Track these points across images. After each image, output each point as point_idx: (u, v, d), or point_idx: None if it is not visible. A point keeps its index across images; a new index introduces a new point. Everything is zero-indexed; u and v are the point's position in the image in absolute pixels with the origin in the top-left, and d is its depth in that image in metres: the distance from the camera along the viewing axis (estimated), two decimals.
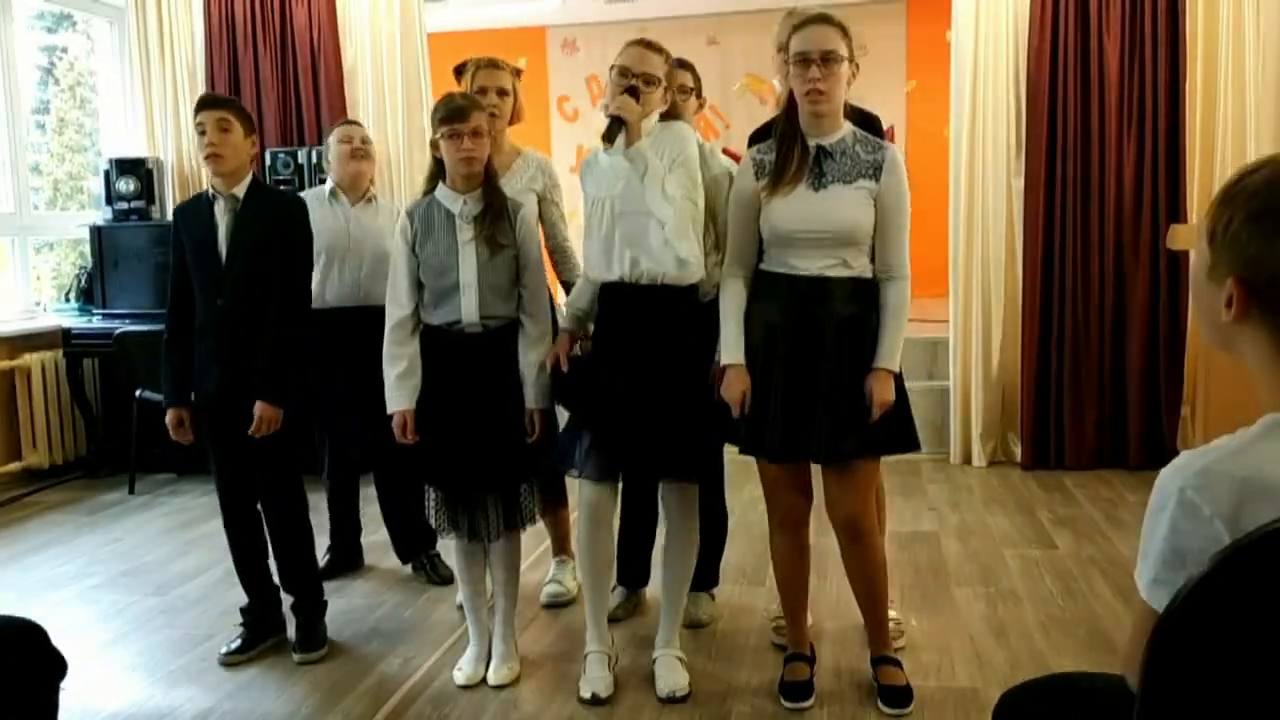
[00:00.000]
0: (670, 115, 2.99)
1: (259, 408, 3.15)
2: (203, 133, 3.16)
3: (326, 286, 3.84)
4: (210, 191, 3.24)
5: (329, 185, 4.00)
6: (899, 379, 2.79)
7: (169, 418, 3.30)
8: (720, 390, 2.81)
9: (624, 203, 2.82)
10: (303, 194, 3.92)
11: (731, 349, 2.81)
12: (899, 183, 2.76)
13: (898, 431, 2.80)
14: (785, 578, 2.99)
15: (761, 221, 2.79)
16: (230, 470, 3.31)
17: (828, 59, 2.66)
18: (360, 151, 3.94)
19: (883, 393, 2.70)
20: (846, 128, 2.79)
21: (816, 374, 2.72)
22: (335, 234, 3.86)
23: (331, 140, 3.99)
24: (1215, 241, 1.28)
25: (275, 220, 3.22)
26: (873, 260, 2.80)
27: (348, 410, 3.83)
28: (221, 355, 3.20)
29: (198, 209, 3.27)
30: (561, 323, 3.17)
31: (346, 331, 3.77)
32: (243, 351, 3.17)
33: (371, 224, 3.94)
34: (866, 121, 3.02)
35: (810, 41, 2.67)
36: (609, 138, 2.78)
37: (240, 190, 3.20)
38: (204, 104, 3.21)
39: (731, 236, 2.89)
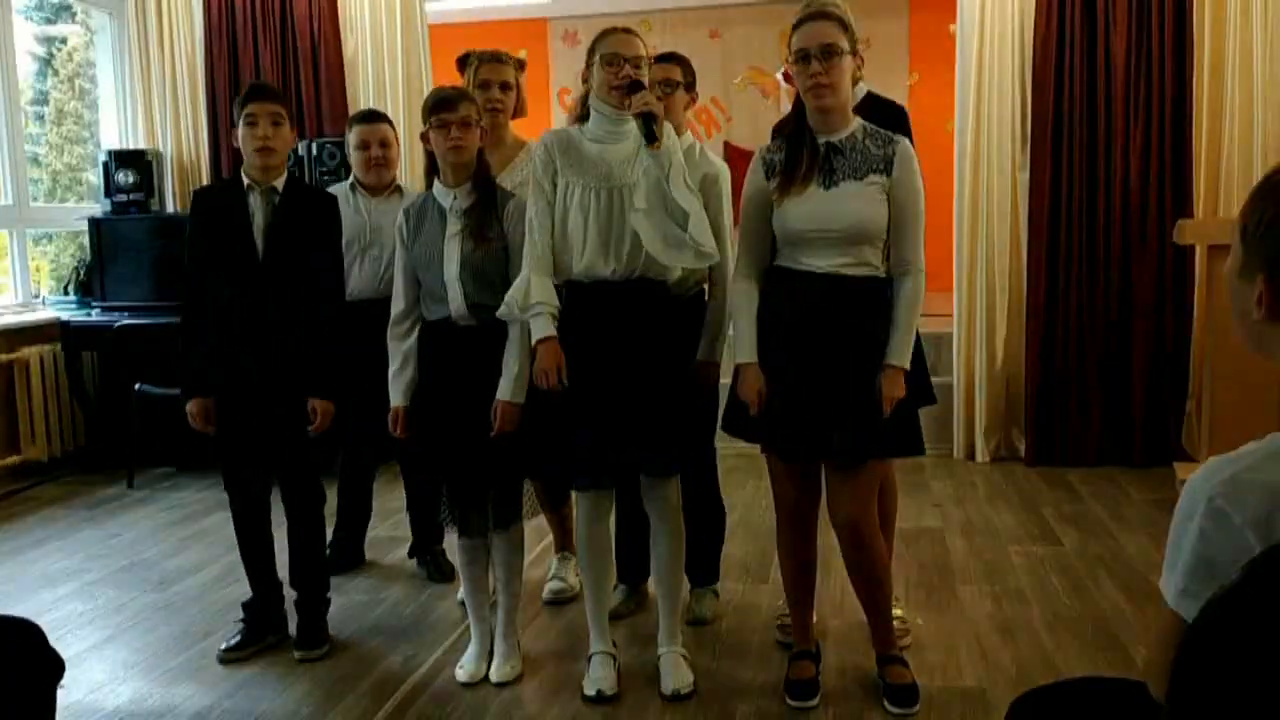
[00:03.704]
0: None
1: (315, 404, 3.14)
2: (253, 124, 3.10)
3: (349, 279, 3.80)
4: (245, 181, 3.18)
5: (349, 180, 3.97)
6: (908, 377, 2.75)
7: (192, 407, 3.21)
8: (737, 389, 2.78)
9: (647, 198, 2.75)
10: (330, 189, 3.88)
11: (745, 348, 2.78)
12: (911, 176, 2.72)
13: (902, 433, 2.76)
14: (790, 574, 2.97)
15: (774, 222, 2.76)
16: (248, 463, 3.27)
17: (828, 53, 2.63)
18: (378, 159, 3.89)
19: (893, 389, 2.67)
20: (856, 123, 2.76)
21: (830, 372, 2.69)
22: (356, 228, 3.83)
23: (350, 137, 3.95)
24: (1247, 237, 1.25)
25: (316, 215, 3.21)
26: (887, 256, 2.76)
27: (371, 401, 3.81)
28: (249, 347, 3.15)
29: (226, 197, 3.21)
30: (539, 328, 2.83)
31: (369, 323, 3.73)
32: (273, 344, 3.14)
33: (390, 214, 3.83)
34: (888, 110, 3.01)
35: (808, 38, 2.65)
36: (650, 138, 2.72)
37: (279, 183, 3.17)
38: (257, 95, 3.15)
39: (743, 236, 2.85)
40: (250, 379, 3.16)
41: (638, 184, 2.77)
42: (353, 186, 3.94)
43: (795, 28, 2.70)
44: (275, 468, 3.29)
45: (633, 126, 2.80)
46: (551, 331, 2.81)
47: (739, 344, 2.81)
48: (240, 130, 3.15)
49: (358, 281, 3.84)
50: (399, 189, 3.97)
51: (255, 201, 3.16)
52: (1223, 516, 1.15)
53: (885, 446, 2.77)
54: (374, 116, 4.00)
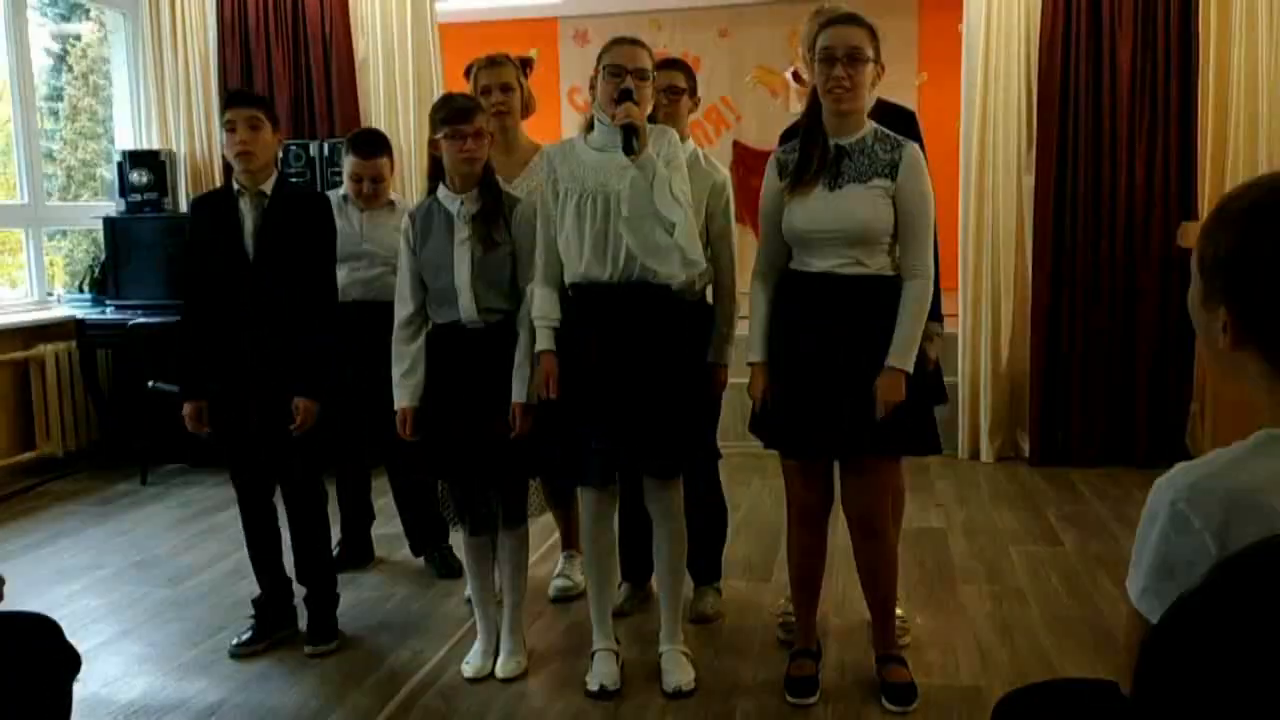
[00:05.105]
0: (653, 117, 2.99)
1: (300, 403, 3.17)
2: (231, 129, 3.16)
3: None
4: (235, 186, 3.24)
5: (342, 190, 3.96)
6: (921, 377, 2.79)
7: (186, 409, 3.30)
8: (747, 387, 2.87)
9: (631, 206, 2.80)
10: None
11: (755, 347, 2.87)
12: (917, 181, 2.74)
13: (916, 432, 2.81)
14: (800, 573, 2.99)
15: (782, 222, 2.81)
16: (250, 463, 3.33)
17: (853, 58, 2.67)
18: (369, 193, 3.87)
19: (888, 392, 2.70)
20: (868, 126, 2.79)
21: (832, 371, 2.73)
22: (346, 238, 3.79)
23: (346, 159, 3.93)
24: (1205, 269, 1.27)
25: (304, 217, 3.25)
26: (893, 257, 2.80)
27: (358, 402, 3.85)
28: (245, 349, 3.21)
29: (219, 203, 3.27)
30: (539, 340, 2.96)
31: (355, 325, 3.78)
32: (268, 346, 3.19)
33: (383, 227, 3.89)
34: (899, 116, 3.03)
35: (837, 39, 2.68)
36: (629, 149, 2.77)
37: (267, 187, 3.22)
38: (234, 101, 3.22)
39: (762, 238, 2.91)
40: (246, 381, 3.22)
41: (624, 192, 2.81)
42: (345, 197, 3.93)
43: (823, 27, 2.72)
44: (274, 467, 3.34)
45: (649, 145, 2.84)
46: (549, 345, 2.92)
47: (750, 343, 2.88)
48: (224, 137, 3.22)
49: (345, 285, 3.76)
50: (391, 203, 3.95)
51: (245, 206, 3.22)
52: (1183, 520, 1.18)
53: (894, 444, 2.81)
54: (371, 149, 3.88)
